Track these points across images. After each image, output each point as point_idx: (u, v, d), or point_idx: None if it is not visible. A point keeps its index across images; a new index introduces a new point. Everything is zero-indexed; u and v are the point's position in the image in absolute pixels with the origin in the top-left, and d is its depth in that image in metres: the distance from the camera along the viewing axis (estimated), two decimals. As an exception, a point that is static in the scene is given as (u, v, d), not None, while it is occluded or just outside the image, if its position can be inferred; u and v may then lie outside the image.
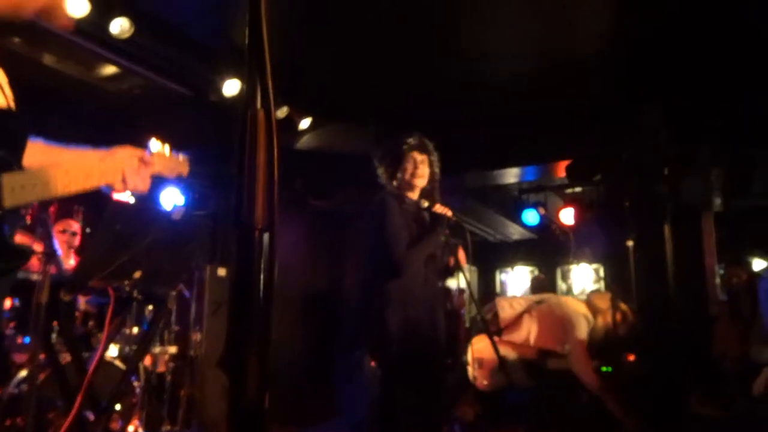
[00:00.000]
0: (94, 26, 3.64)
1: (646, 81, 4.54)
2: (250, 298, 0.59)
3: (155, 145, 1.65)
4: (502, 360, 2.84)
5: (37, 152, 1.40)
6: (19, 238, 2.77)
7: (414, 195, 2.96)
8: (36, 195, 1.27)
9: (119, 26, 3.67)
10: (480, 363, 3.74)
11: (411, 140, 2.94)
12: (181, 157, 1.81)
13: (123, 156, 1.53)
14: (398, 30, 3.98)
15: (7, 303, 3.27)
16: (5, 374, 2.71)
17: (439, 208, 2.86)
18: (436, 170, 2.99)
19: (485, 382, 3.81)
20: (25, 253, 1.27)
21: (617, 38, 4.07)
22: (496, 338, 3.83)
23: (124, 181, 1.51)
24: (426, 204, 2.88)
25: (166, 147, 1.72)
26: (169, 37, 4.07)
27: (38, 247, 2.65)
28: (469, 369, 3.79)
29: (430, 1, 3.71)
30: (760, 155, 4.96)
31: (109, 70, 4.32)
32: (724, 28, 3.89)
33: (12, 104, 1.32)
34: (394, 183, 2.95)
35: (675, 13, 3.77)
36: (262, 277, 0.59)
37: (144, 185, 1.56)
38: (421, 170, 2.92)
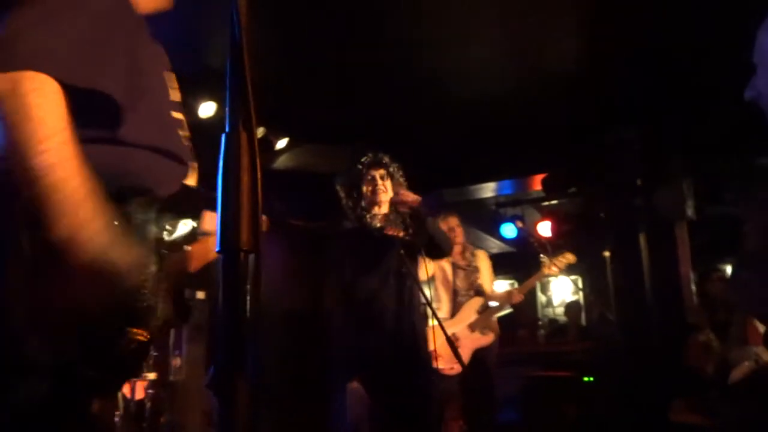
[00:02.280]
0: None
1: (618, 97, 4.64)
2: (236, 320, 0.59)
3: None
4: (450, 340, 2.88)
5: None
6: None
7: (382, 210, 2.98)
8: (204, 261, 1.41)
9: (92, 51, 3.64)
10: (435, 355, 3.74)
11: (365, 159, 3.00)
12: (264, 218, 1.92)
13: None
14: (375, 49, 4.02)
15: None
16: None
17: (390, 230, 2.89)
18: (401, 179, 3.02)
19: (452, 368, 3.82)
20: (191, 311, 1.34)
21: (591, 57, 4.16)
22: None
23: None
24: (378, 225, 2.91)
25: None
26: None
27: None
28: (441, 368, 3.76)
29: (409, 22, 3.76)
30: (729, 165, 5.09)
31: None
32: (692, 46, 4.01)
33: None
34: (362, 205, 2.98)
35: (647, 33, 3.88)
36: (248, 299, 0.59)
37: None
38: (381, 185, 2.95)
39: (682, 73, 4.33)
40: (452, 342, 2.89)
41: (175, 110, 1.34)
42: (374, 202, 2.97)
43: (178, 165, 1.27)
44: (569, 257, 4.33)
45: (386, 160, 3.01)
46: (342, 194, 3.05)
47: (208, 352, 4.84)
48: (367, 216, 2.96)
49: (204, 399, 4.68)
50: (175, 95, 1.39)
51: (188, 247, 1.24)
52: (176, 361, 4.38)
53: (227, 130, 0.66)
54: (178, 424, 4.22)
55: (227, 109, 0.68)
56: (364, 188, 2.97)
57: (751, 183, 5.14)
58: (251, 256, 0.62)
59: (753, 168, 5.15)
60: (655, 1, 3.55)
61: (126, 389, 3.80)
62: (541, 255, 4.40)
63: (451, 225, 4.12)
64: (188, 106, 4.42)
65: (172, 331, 4.51)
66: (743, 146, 4.89)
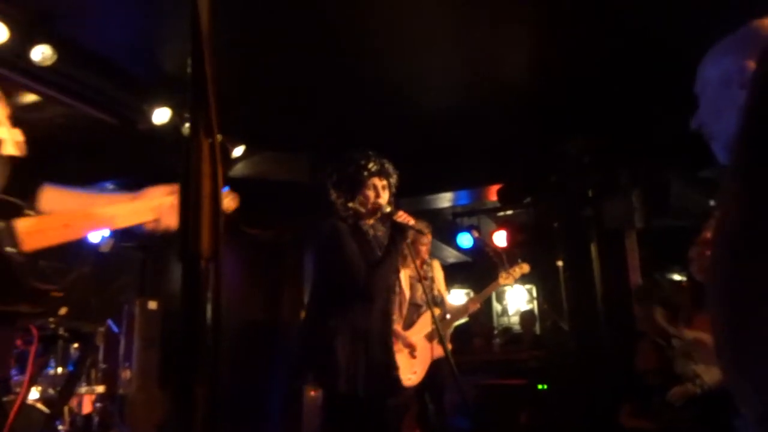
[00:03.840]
0: (13, 53, 3.50)
1: (569, 110, 4.77)
2: (197, 328, 0.58)
3: None
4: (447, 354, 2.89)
5: (65, 198, 1.40)
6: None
7: (371, 221, 2.91)
8: (54, 238, 1.28)
9: (41, 53, 3.54)
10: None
11: (371, 165, 2.85)
12: (228, 192, 1.77)
13: (156, 194, 1.51)
14: (331, 60, 4.03)
15: None
16: None
17: (401, 216, 2.80)
18: (394, 191, 2.93)
19: (410, 378, 3.84)
20: (46, 295, 1.23)
21: (543, 68, 4.27)
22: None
23: (157, 219, 1.49)
24: (389, 209, 2.81)
25: None
26: (95, 65, 3.96)
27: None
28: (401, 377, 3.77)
29: (363, 33, 3.78)
30: (674, 177, 5.29)
31: (30, 98, 4.15)
32: (638, 61, 4.16)
33: (23, 152, 1.35)
34: (350, 206, 2.85)
35: (595, 48, 4.01)
36: (209, 306, 0.59)
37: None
38: (382, 197, 2.85)
39: (631, 84, 4.48)
40: (447, 350, 2.89)
41: None
42: (372, 212, 2.85)
43: None
44: (524, 267, 4.41)
45: (391, 169, 2.91)
46: (336, 196, 2.89)
47: (160, 364, 4.72)
48: (360, 223, 2.87)
49: (155, 412, 4.56)
50: None
51: None
52: (126, 373, 4.26)
53: (189, 137, 0.66)
54: (128, 438, 4.10)
55: (189, 115, 0.67)
56: (365, 195, 2.84)
57: (694, 194, 5.37)
58: (211, 264, 0.62)
59: (696, 180, 5.37)
60: (607, 14, 3.66)
61: (73, 402, 3.67)
62: (499, 266, 4.47)
63: (424, 240, 4.15)
64: (143, 113, 4.36)
65: (122, 342, 4.39)
66: (687, 158, 5.09)
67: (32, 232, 1.23)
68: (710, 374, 3.71)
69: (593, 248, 5.25)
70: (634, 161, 5.21)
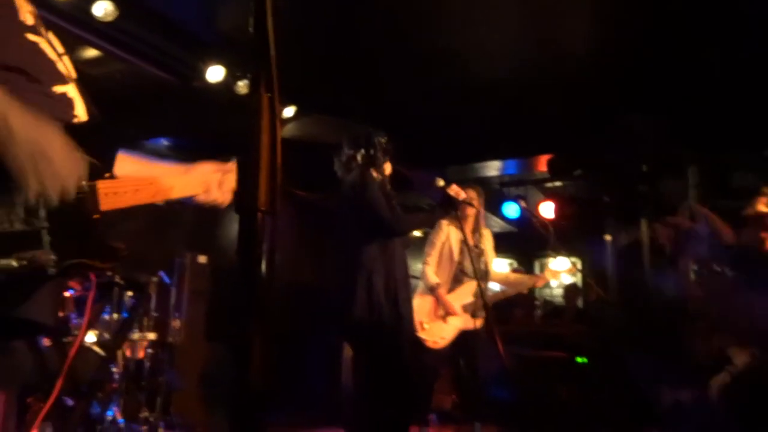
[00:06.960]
0: (76, 8, 3.59)
1: (627, 82, 4.61)
2: (252, 279, 0.60)
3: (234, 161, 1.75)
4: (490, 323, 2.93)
5: (126, 163, 1.49)
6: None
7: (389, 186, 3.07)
8: (126, 201, 1.38)
9: (103, 9, 3.61)
10: (421, 324, 3.77)
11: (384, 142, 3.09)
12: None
13: (206, 170, 1.62)
14: (383, 25, 3.98)
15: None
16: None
17: (454, 189, 2.92)
18: (379, 158, 3.15)
19: (436, 342, 3.86)
20: (119, 252, 1.34)
21: (601, 41, 4.13)
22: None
23: (206, 192, 1.61)
24: (441, 183, 2.95)
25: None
26: (153, 22, 4.02)
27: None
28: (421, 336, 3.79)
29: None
30: (738, 157, 5.08)
31: (90, 53, 4.25)
32: (701, 35, 3.97)
33: (90, 111, 1.45)
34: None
35: (658, 20, 3.85)
36: (264, 258, 0.61)
37: (225, 198, 1.64)
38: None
39: (695, 61, 4.29)
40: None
41: (31, 33, 1.34)
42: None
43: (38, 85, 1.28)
44: (572, 268, 4.41)
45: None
46: (359, 155, 3.14)
47: (207, 316, 4.89)
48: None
49: (201, 361, 4.75)
50: (30, 19, 1.37)
51: None
52: (176, 323, 4.43)
53: (249, 91, 0.67)
54: (176, 384, 4.28)
55: (250, 71, 0.68)
56: (383, 168, 3.09)
57: (758, 174, 5.13)
58: (267, 217, 0.63)
59: (760, 159, 5.13)
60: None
61: (126, 347, 3.85)
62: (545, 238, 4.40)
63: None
64: (198, 70, 4.42)
65: (173, 293, 4.56)
66: (753, 138, 4.86)
67: (110, 193, 1.32)
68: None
69: (644, 224, 5.10)
70: (693, 138, 5.01)
